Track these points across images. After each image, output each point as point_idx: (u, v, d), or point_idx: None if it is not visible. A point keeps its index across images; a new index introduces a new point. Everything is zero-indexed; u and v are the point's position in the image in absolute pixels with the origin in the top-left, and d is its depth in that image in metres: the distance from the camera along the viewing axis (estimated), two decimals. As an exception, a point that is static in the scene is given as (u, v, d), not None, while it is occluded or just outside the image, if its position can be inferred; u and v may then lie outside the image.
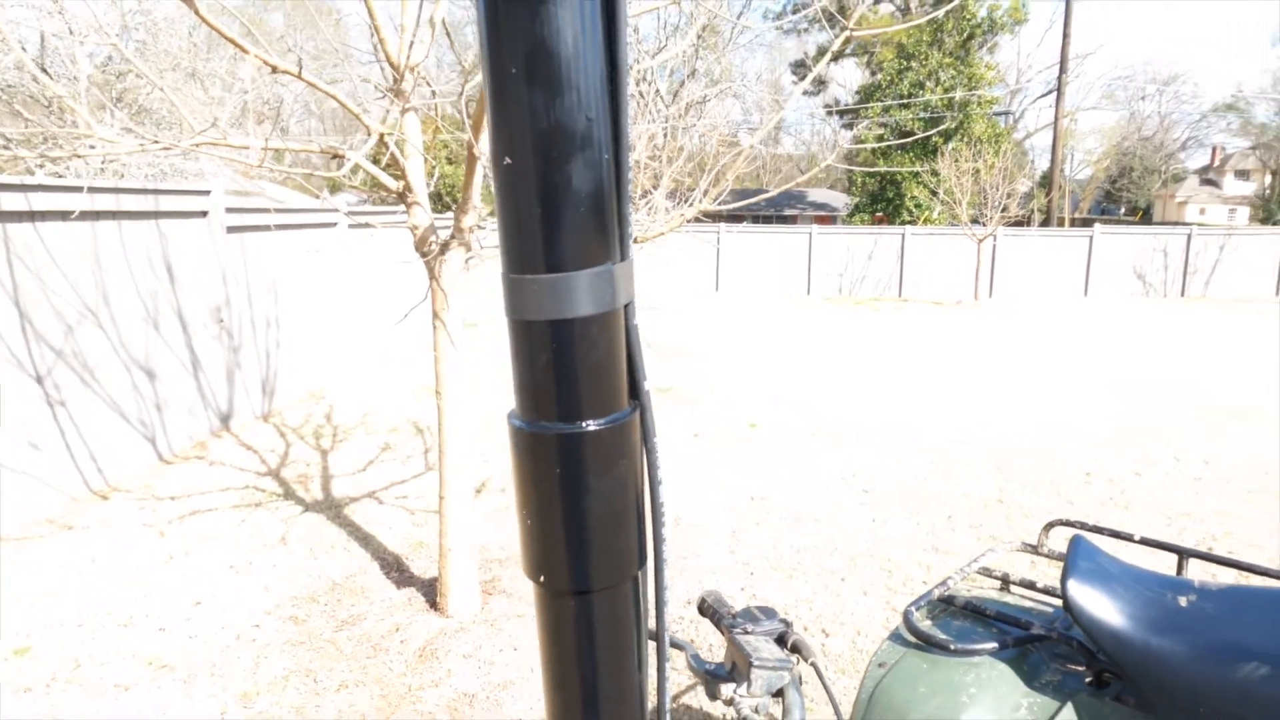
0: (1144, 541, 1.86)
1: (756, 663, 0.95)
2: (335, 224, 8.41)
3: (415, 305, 3.48)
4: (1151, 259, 18.76)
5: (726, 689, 0.94)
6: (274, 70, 2.35)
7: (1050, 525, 2.02)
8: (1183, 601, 1.50)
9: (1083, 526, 1.92)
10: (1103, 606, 1.49)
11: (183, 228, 6.09)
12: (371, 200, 15.57)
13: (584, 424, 0.38)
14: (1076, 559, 1.58)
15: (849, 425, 7.08)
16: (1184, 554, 1.79)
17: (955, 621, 1.78)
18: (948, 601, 1.82)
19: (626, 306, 0.37)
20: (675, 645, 1.04)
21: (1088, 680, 1.62)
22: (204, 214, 6.32)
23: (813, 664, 0.98)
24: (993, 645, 1.64)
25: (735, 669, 0.94)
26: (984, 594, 1.89)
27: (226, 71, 6.05)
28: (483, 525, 4.58)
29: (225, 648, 3.26)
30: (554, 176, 0.34)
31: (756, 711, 0.93)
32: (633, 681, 0.42)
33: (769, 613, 1.04)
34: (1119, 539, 1.89)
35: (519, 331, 0.37)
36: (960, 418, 7.37)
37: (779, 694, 0.94)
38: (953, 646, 1.64)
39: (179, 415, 5.98)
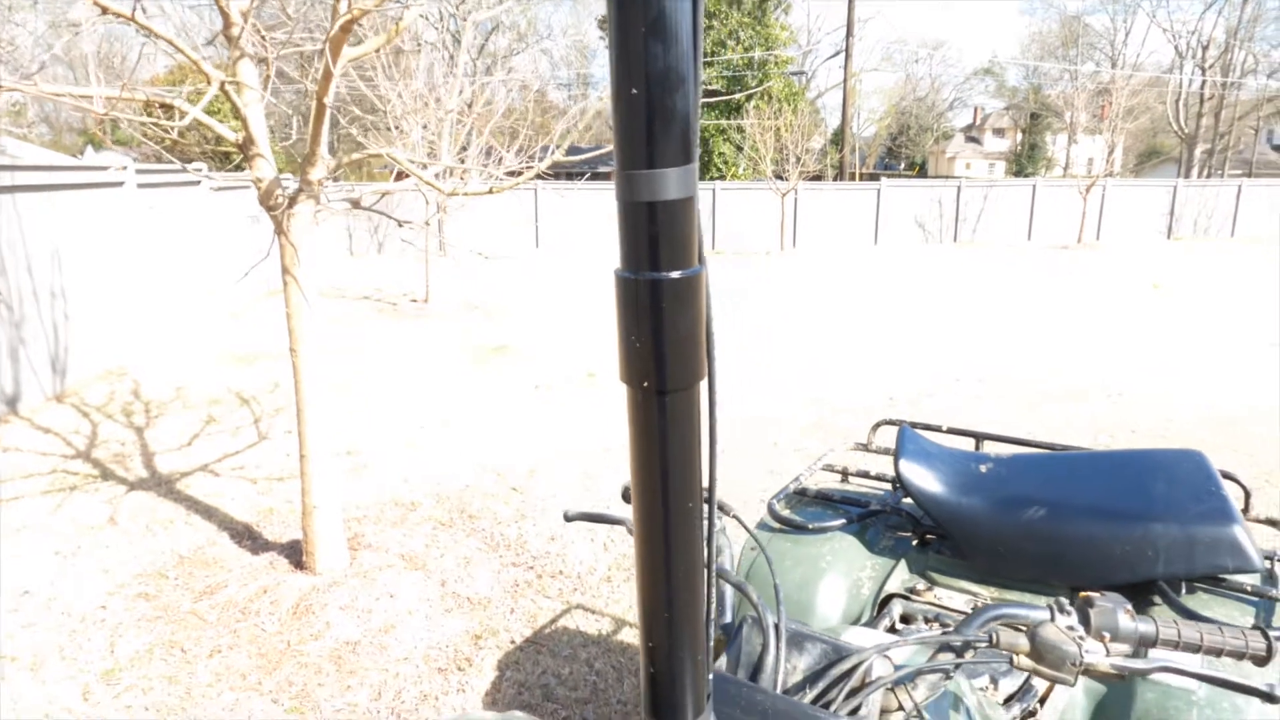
0: (950, 430, 2.27)
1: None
2: (121, 183, 7.66)
3: (257, 263, 3.37)
4: (929, 209, 20.82)
5: None
6: (104, 11, 2.21)
7: (877, 425, 2.39)
8: (983, 469, 1.88)
9: (901, 423, 2.30)
10: (926, 479, 1.84)
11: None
12: (146, 158, 14.13)
13: (670, 273, 0.56)
14: (905, 444, 1.92)
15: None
16: (979, 437, 2.21)
17: (809, 508, 2.10)
18: (801, 493, 2.13)
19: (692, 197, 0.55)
20: (607, 520, 1.23)
21: (915, 542, 1.98)
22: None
23: (735, 516, 1.21)
24: (841, 522, 1.97)
25: None
26: (829, 485, 2.23)
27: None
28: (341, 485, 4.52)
29: (71, 632, 3.08)
30: (662, 102, 0.52)
31: None
32: (695, 461, 0.61)
33: None
34: (930, 430, 2.29)
35: (628, 211, 0.54)
36: (775, 358, 8.02)
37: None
38: (810, 526, 1.95)
39: (-42, 400, 5.33)
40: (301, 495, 3.40)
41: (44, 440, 5.40)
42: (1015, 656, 0.91)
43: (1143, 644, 0.95)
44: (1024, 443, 2.14)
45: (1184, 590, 1.65)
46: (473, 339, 9.05)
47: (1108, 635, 0.92)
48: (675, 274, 0.55)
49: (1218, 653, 0.96)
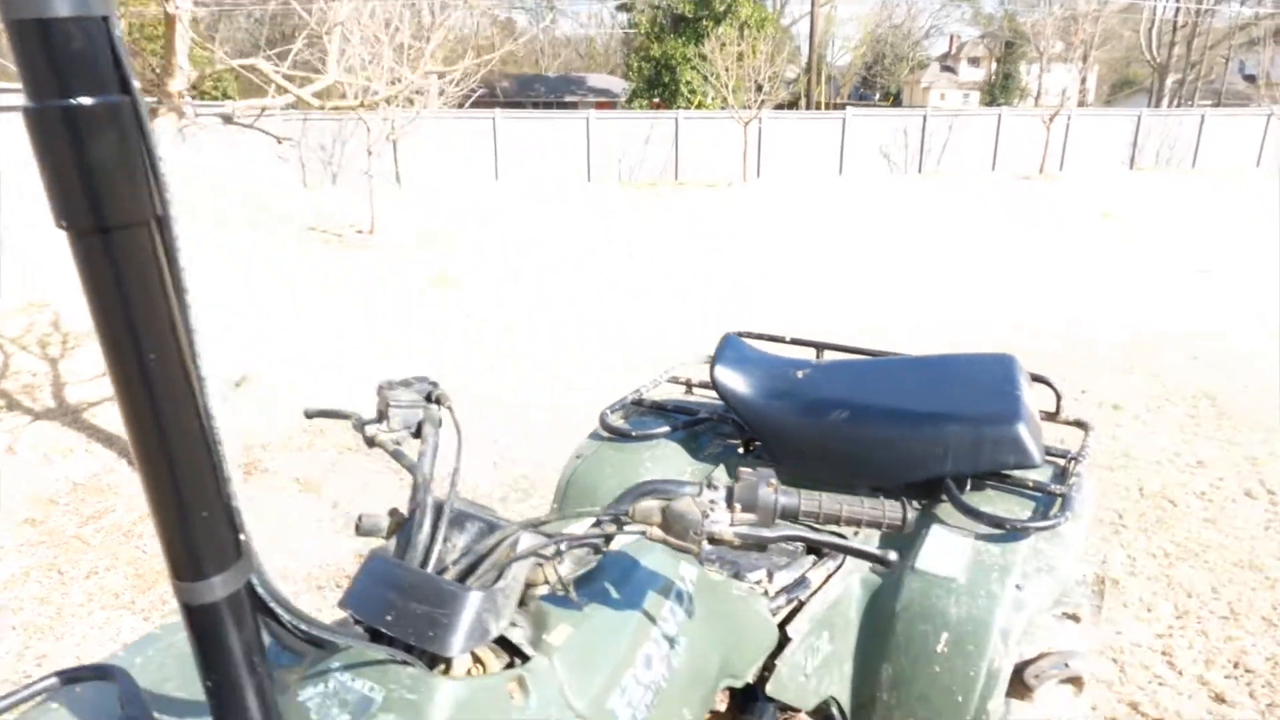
0: (793, 341, 2.27)
1: (393, 404, 1.15)
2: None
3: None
4: (895, 139, 20.62)
5: (371, 428, 1.13)
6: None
7: (725, 337, 2.38)
8: (800, 375, 1.89)
9: (749, 334, 2.29)
10: (739, 383, 1.84)
11: None
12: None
13: (84, 100, 0.52)
14: (724, 350, 1.92)
15: (617, 316, 7.47)
16: (820, 347, 2.21)
17: (643, 418, 2.10)
18: (638, 404, 2.13)
19: None
20: (339, 415, 1.22)
21: (740, 450, 2.00)
22: None
23: (448, 407, 1.19)
24: (665, 429, 1.97)
25: (381, 414, 1.14)
26: (672, 397, 2.23)
27: None
28: (246, 414, 4.49)
29: (-52, 556, 3.07)
30: None
31: (399, 444, 1.14)
32: (161, 307, 0.58)
33: (422, 379, 1.24)
34: (772, 340, 2.29)
35: (18, 32, 0.50)
36: (725, 294, 8.00)
37: (419, 434, 1.15)
38: (634, 434, 1.96)
39: None
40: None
41: (-48, 372, 5.29)
42: (649, 528, 0.91)
43: (786, 516, 0.96)
44: (860, 351, 2.14)
45: (969, 486, 1.68)
46: (414, 270, 8.92)
47: (739, 506, 0.92)
48: (90, 100, 0.51)
49: (858, 523, 0.97)
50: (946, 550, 1.55)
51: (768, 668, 1.38)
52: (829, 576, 1.57)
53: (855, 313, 6.84)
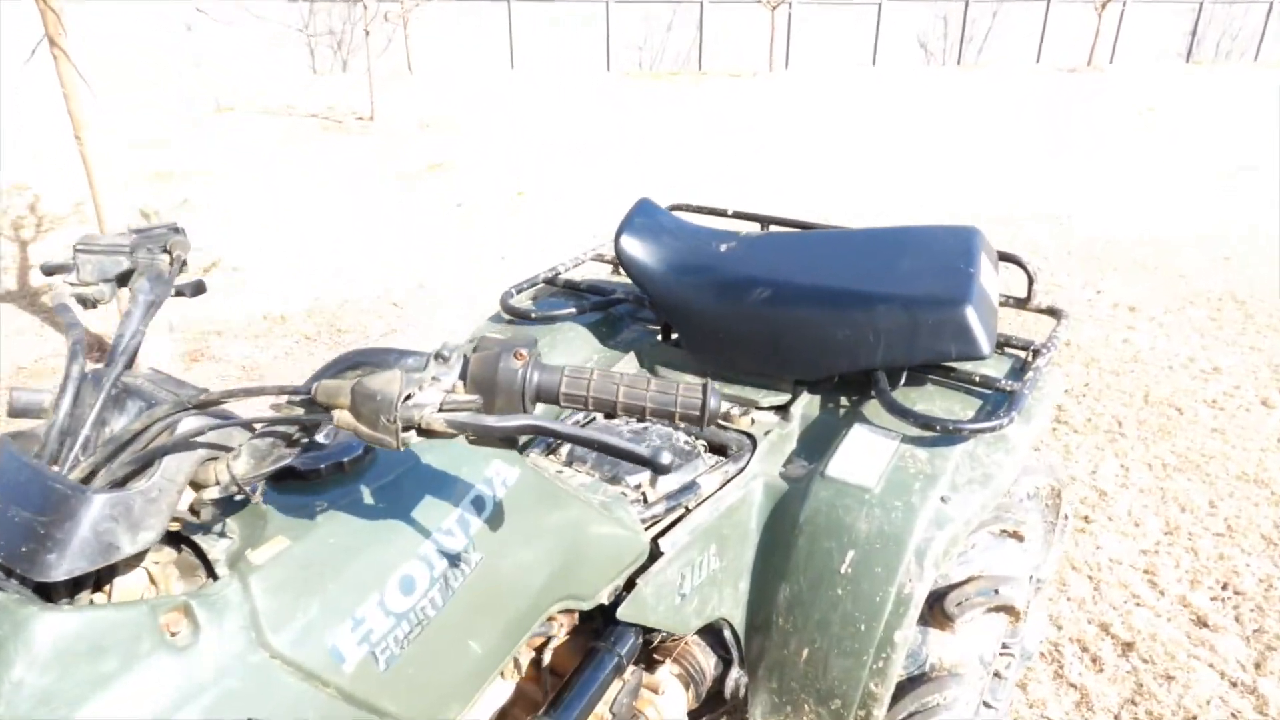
0: (735, 215, 1.97)
1: (82, 248, 0.92)
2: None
3: (36, 46, 2.93)
4: (933, 27, 19.35)
5: (60, 279, 0.91)
6: None
7: (671, 209, 2.09)
8: (722, 249, 1.60)
9: (682, 206, 2.00)
10: (646, 253, 1.56)
11: None
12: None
13: None
14: (634, 216, 1.63)
15: (621, 210, 7.11)
16: (765, 220, 1.92)
17: (553, 298, 1.85)
18: (550, 283, 1.87)
19: None
20: (65, 269, 0.98)
21: (659, 337, 1.74)
22: None
23: (179, 258, 0.95)
24: (571, 311, 1.71)
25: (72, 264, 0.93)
26: (595, 276, 1.96)
27: None
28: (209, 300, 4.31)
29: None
30: None
31: (96, 302, 0.93)
32: None
33: (169, 225, 1.00)
34: (714, 213, 1.99)
35: None
36: (737, 188, 7.58)
37: (125, 283, 0.94)
38: (534, 315, 1.70)
39: None
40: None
41: (-78, 253, 5.16)
42: (335, 413, 0.66)
43: (543, 398, 0.71)
44: (809, 226, 1.85)
45: (904, 379, 1.42)
46: (410, 157, 8.57)
47: (473, 384, 0.67)
48: None
49: (641, 411, 0.71)
50: (864, 454, 1.30)
51: (631, 587, 1.16)
52: (727, 481, 1.34)
53: (879, 210, 6.43)
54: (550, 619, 1.08)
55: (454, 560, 0.85)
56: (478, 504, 0.90)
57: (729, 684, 1.34)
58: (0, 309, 4.24)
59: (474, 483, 0.92)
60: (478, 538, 0.89)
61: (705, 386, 0.71)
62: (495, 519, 0.91)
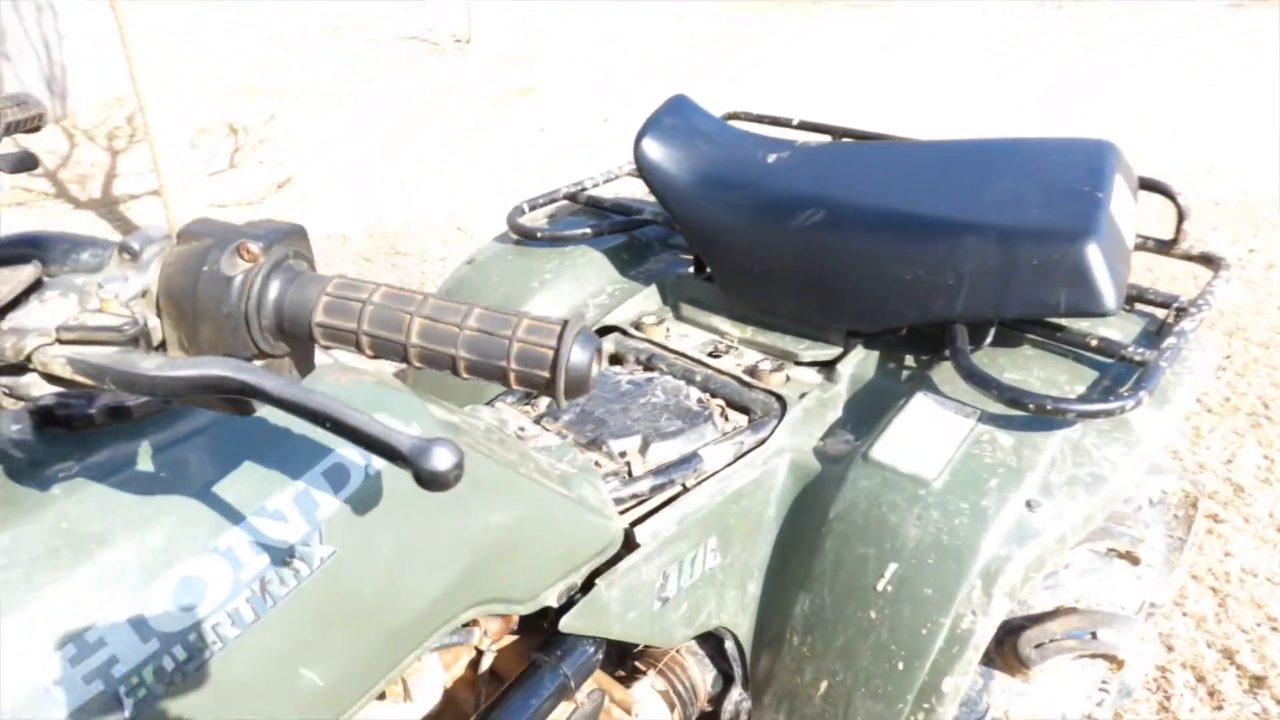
0: (801, 125, 1.61)
1: None
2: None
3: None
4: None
5: None
6: None
7: (727, 116, 1.75)
8: (771, 159, 1.27)
9: (738, 115, 1.66)
10: (675, 161, 1.24)
11: None
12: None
13: None
14: (662, 116, 1.31)
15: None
16: (839, 133, 1.56)
17: (573, 217, 1.56)
18: (573, 199, 1.58)
19: None
20: None
21: (692, 269, 1.44)
22: None
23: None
24: (586, 232, 1.43)
25: None
26: (630, 197, 1.66)
27: None
28: (278, 216, 4.22)
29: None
30: None
31: None
32: None
33: (21, 95, 0.76)
34: (777, 125, 1.64)
35: None
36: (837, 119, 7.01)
37: None
38: (540, 235, 1.42)
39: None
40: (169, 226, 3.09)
41: (19, 159, 5.29)
42: None
43: (287, 328, 0.43)
44: (889, 139, 1.48)
45: (990, 338, 1.07)
46: (503, 81, 8.32)
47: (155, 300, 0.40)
48: None
49: (445, 363, 0.43)
50: (926, 434, 0.98)
51: (589, 587, 0.89)
52: (741, 455, 1.04)
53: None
54: (473, 624, 0.83)
55: (281, 556, 0.60)
56: (335, 476, 0.64)
57: (728, 707, 1.07)
58: (80, 215, 4.28)
59: (339, 442, 0.65)
60: (329, 524, 0.63)
61: (564, 329, 0.42)
62: (364, 498, 0.65)
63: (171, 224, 3.13)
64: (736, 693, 1.07)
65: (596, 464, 0.97)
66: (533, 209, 1.54)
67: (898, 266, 1.07)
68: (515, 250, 1.45)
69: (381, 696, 0.74)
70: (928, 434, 0.98)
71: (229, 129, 6.18)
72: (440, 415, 0.76)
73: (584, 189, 1.58)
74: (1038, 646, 0.92)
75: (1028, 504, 0.89)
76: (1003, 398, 0.95)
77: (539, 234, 1.42)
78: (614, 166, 1.68)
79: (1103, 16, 14.17)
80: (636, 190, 1.76)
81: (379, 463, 0.67)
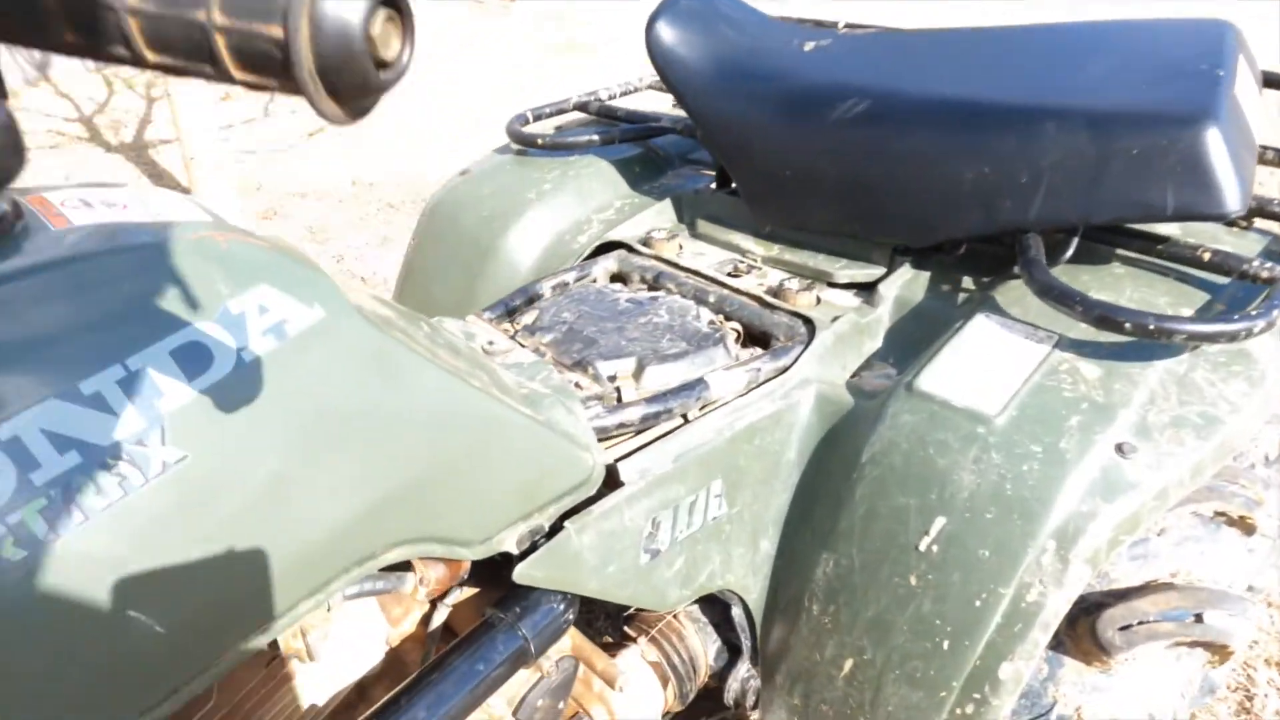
0: (849, 27, 1.40)
1: None
2: None
3: None
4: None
5: None
6: None
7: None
8: (808, 47, 1.07)
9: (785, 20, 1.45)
10: (693, 49, 1.05)
11: None
12: None
13: None
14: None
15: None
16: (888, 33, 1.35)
17: (584, 125, 1.39)
18: (584, 109, 1.40)
19: None
20: None
21: (714, 184, 1.26)
22: None
23: None
24: (591, 139, 1.25)
25: None
26: (655, 108, 1.48)
27: None
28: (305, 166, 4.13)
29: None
30: None
31: None
32: None
33: None
34: (820, 25, 1.43)
35: None
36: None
37: None
38: (540, 142, 1.25)
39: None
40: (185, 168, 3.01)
41: (58, 105, 5.29)
42: None
43: None
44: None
45: (1073, 248, 0.87)
46: (547, 36, 8.15)
47: None
48: None
49: None
50: (987, 361, 0.79)
51: (557, 530, 0.73)
52: (756, 385, 0.86)
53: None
54: (408, 569, 0.67)
55: (100, 457, 0.44)
56: (190, 358, 0.48)
57: (732, 685, 0.90)
58: (108, 159, 4.24)
59: (200, 316, 0.49)
60: (177, 420, 0.47)
61: None
62: (233, 391, 0.49)
63: (188, 168, 3.04)
64: (743, 668, 0.90)
65: (577, 385, 0.81)
66: (538, 119, 1.37)
67: (959, 165, 0.88)
68: (515, 160, 1.29)
69: (274, 655, 0.58)
70: (990, 362, 0.79)
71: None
72: (363, 302, 0.60)
73: (596, 98, 1.40)
74: (1123, 629, 0.73)
75: (1118, 448, 0.70)
76: (1089, 316, 0.75)
77: (539, 140, 1.25)
78: (622, 83, 1.50)
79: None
80: (660, 106, 1.58)
81: (259, 345, 0.51)
